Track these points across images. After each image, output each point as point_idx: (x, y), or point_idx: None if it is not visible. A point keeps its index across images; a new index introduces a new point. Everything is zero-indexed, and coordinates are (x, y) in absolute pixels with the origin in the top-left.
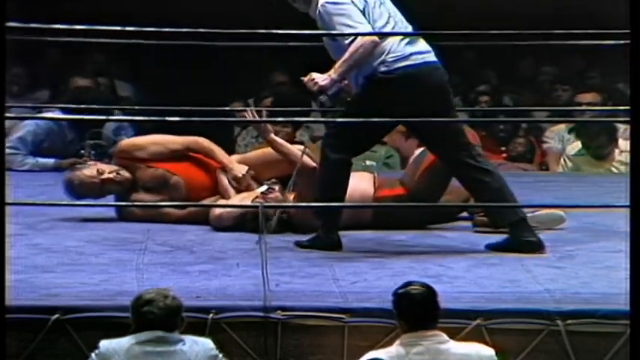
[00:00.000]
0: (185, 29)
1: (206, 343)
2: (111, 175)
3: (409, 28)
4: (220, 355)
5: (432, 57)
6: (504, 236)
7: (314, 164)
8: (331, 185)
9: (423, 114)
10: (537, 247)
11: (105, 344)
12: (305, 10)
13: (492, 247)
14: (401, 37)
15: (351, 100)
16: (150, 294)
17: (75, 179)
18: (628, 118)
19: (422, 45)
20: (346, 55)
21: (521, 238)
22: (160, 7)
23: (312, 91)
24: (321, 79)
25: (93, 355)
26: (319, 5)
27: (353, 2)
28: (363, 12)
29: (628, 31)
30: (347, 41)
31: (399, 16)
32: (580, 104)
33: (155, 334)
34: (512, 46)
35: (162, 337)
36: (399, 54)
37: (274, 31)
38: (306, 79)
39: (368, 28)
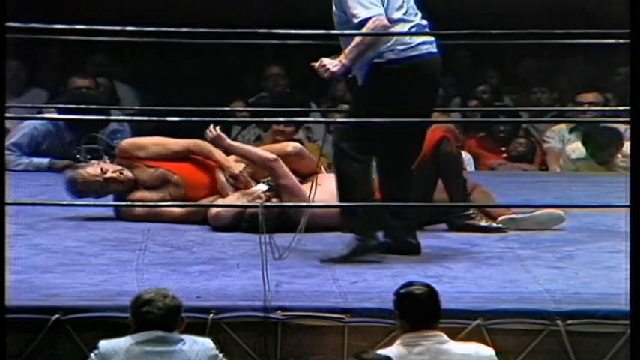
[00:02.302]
0: (185, 29)
1: (206, 343)
2: (114, 175)
3: (419, 15)
4: (220, 355)
5: (434, 48)
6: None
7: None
8: (354, 188)
9: (420, 106)
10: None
11: (104, 344)
12: None
13: None
14: (409, 24)
15: (357, 98)
16: (149, 294)
17: (78, 178)
18: (628, 118)
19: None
20: (357, 39)
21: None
22: (163, 8)
23: (324, 77)
24: (332, 64)
25: (92, 355)
26: None
27: None
28: None
29: (628, 31)
30: (357, 20)
31: (411, 1)
32: (581, 104)
33: (155, 333)
34: (512, 45)
35: (161, 337)
36: (408, 43)
37: (274, 31)
38: (317, 64)
39: (381, 10)
